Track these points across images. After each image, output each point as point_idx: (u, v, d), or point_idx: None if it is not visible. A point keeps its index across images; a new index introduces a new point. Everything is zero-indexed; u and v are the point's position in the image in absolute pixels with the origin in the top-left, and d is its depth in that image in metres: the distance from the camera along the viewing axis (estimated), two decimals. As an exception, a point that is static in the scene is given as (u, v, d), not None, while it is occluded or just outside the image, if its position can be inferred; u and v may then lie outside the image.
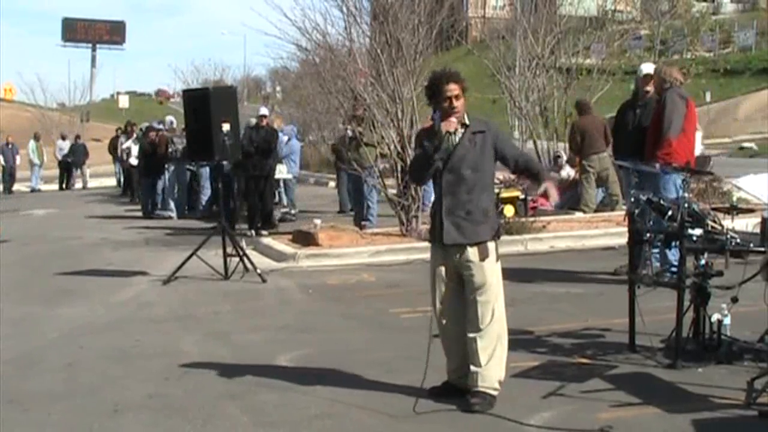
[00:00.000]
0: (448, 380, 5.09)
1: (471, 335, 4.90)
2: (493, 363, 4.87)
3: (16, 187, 27.66)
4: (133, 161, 20.15)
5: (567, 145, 15.66)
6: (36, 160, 28.63)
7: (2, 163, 27.49)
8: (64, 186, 28.67)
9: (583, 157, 12.93)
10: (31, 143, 28.97)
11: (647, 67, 8.72)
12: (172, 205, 16.47)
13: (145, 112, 49.94)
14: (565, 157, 14.94)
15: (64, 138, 29.97)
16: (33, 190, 27.88)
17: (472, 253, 4.89)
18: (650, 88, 8.45)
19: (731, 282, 5.57)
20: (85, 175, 28.92)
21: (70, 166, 28.94)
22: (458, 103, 4.91)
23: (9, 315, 7.88)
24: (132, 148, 20.31)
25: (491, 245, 4.91)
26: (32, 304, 8.48)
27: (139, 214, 17.00)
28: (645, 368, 5.50)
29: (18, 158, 28.18)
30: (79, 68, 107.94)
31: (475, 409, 4.80)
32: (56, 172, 29.68)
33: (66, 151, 28.81)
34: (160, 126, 17.89)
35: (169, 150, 16.44)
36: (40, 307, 8.33)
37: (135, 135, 21.64)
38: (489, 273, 4.88)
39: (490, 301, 4.88)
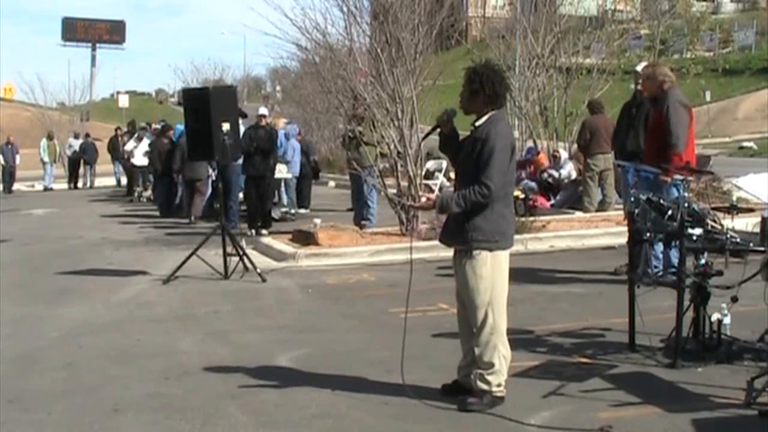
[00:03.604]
0: (457, 378, 5.08)
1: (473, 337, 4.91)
2: (493, 369, 4.83)
3: (16, 186, 27.64)
4: (135, 161, 20.16)
5: (568, 144, 15.70)
6: (47, 159, 28.61)
7: (2, 162, 27.48)
8: (76, 185, 28.64)
9: (589, 156, 12.92)
10: (43, 141, 28.97)
11: (640, 66, 8.80)
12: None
13: (145, 112, 49.92)
14: (565, 156, 14.92)
15: (77, 136, 29.98)
16: (46, 189, 27.86)
17: (460, 255, 4.90)
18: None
19: (731, 282, 5.57)
20: (94, 173, 28.94)
21: (77, 164, 28.94)
22: (462, 97, 4.93)
23: (9, 315, 7.88)
24: (135, 147, 20.32)
25: (481, 253, 4.78)
26: (32, 303, 8.48)
27: (139, 213, 17.00)
28: (645, 368, 5.50)
29: (18, 158, 28.17)
30: (79, 68, 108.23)
31: (470, 409, 4.80)
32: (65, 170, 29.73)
33: (76, 149, 28.82)
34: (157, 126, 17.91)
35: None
36: (40, 306, 8.33)
37: (136, 134, 21.67)
38: (475, 279, 4.79)
39: (479, 306, 4.81)
